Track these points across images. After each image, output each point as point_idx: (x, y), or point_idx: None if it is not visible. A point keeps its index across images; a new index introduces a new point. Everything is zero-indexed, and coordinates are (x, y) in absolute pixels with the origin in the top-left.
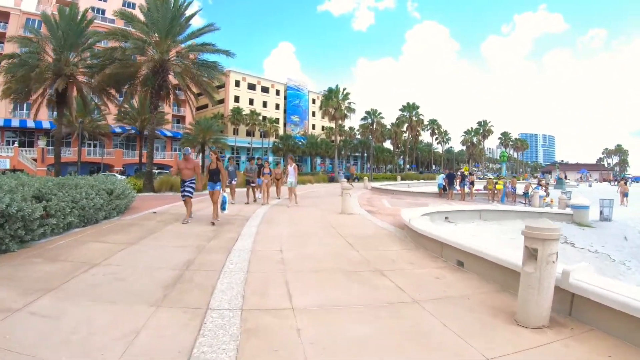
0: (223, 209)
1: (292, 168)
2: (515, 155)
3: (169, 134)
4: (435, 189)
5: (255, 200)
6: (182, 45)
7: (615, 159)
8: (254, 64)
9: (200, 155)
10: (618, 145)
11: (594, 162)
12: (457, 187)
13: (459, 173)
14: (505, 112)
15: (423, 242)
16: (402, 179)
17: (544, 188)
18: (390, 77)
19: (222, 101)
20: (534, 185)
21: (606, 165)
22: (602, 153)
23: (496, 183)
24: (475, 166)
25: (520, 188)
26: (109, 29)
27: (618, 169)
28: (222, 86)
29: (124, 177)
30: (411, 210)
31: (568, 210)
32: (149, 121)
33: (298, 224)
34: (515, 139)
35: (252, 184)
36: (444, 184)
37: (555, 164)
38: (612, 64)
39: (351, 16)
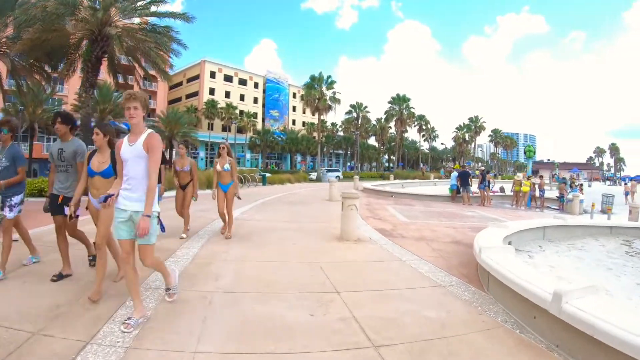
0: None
1: (227, 165)
2: (499, 153)
3: None
4: (438, 190)
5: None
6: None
7: (606, 158)
8: (234, 60)
9: (168, 151)
10: (613, 144)
11: (584, 162)
12: (476, 189)
13: (476, 172)
14: (486, 112)
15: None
16: (394, 178)
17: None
18: (372, 76)
19: (196, 93)
20: (568, 188)
21: (597, 164)
22: (593, 152)
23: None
24: (467, 164)
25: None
26: None
27: (613, 169)
28: (196, 77)
29: None
30: (486, 236)
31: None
32: (113, 111)
33: (256, 302)
34: (505, 136)
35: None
36: (458, 184)
37: (554, 163)
38: (591, 66)
39: (335, 14)
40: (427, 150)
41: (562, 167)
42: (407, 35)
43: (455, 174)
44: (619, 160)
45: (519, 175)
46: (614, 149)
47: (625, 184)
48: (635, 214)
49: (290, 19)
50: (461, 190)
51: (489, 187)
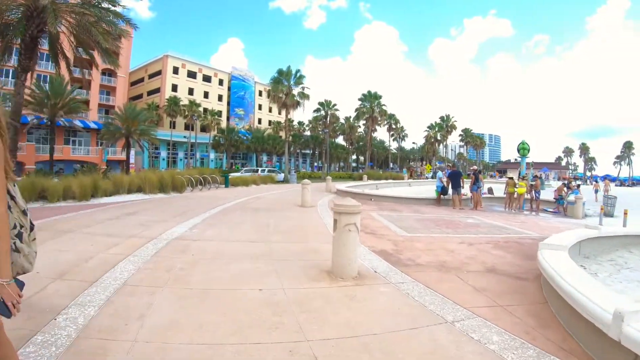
0: None
1: None
2: (467, 153)
3: (93, 125)
4: (415, 191)
5: None
6: None
7: (575, 158)
8: (200, 59)
9: (126, 151)
10: (583, 144)
11: (552, 161)
12: (468, 191)
13: (469, 172)
14: (451, 113)
15: None
16: (367, 178)
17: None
18: (338, 76)
19: (158, 90)
20: (568, 188)
21: (565, 164)
22: (562, 152)
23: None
24: (438, 163)
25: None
26: None
27: (583, 168)
28: (158, 73)
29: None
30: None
31: None
32: (66, 106)
33: None
34: (475, 136)
35: None
36: (443, 185)
37: (531, 162)
38: (554, 68)
39: (303, 14)
40: (395, 150)
41: (532, 166)
42: (374, 36)
43: (440, 174)
44: (589, 160)
45: (512, 177)
46: (585, 149)
47: (597, 182)
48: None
49: (258, 17)
50: (451, 192)
51: (481, 188)
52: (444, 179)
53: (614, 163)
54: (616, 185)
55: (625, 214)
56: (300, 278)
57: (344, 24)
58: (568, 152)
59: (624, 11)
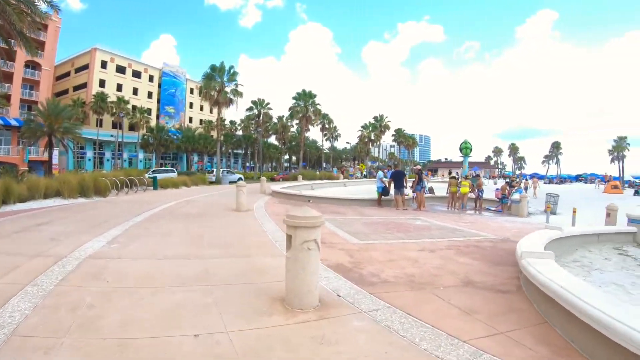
0: None
1: None
2: (398, 153)
3: (14, 122)
4: (352, 191)
5: None
6: None
7: (503, 158)
8: (130, 54)
9: (48, 151)
10: (512, 144)
11: (482, 160)
12: (412, 192)
13: (412, 171)
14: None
15: None
16: (302, 178)
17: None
18: (271, 76)
19: (84, 85)
20: (513, 187)
21: (494, 164)
22: (492, 151)
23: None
24: (371, 163)
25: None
26: None
27: (512, 167)
28: (85, 67)
29: None
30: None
31: (624, 227)
32: None
33: None
34: (408, 136)
35: None
36: (384, 186)
37: (446, 160)
38: (482, 74)
39: (238, 12)
40: (327, 150)
41: (460, 166)
42: (309, 37)
43: (381, 174)
44: (518, 159)
45: (455, 175)
46: (514, 149)
47: (526, 180)
48: (613, 217)
49: (193, 14)
50: (394, 192)
51: (425, 188)
52: (385, 179)
53: (543, 162)
54: (545, 183)
55: (574, 212)
56: (247, 312)
57: (279, 24)
58: (497, 152)
59: (551, 22)
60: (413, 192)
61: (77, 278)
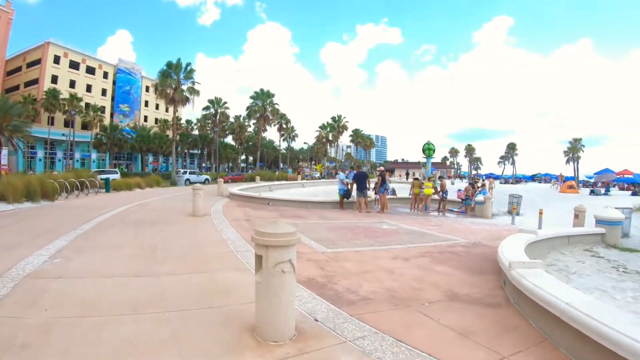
0: None
1: None
2: (355, 153)
3: None
4: (310, 193)
5: None
6: None
7: (459, 158)
8: (85, 49)
9: None
10: (469, 145)
11: (439, 161)
12: (374, 194)
13: (375, 173)
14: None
15: None
16: (260, 179)
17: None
18: (228, 76)
19: (36, 81)
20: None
21: (449, 164)
22: (449, 152)
23: (422, 185)
24: (330, 164)
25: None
26: None
27: (469, 167)
28: (37, 62)
29: None
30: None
31: (592, 229)
32: None
33: None
34: (365, 137)
35: None
36: (347, 189)
37: (421, 162)
38: (438, 77)
39: (197, 9)
40: (284, 151)
41: (416, 166)
42: (268, 36)
43: (342, 175)
44: (475, 160)
45: (418, 177)
46: (470, 150)
47: (483, 180)
48: (582, 219)
49: (150, 9)
50: (357, 195)
51: (388, 190)
52: (347, 181)
53: (499, 162)
54: (501, 183)
55: (541, 213)
56: (213, 349)
57: (238, 23)
58: (454, 152)
59: (507, 28)
60: (376, 194)
61: (11, 305)
